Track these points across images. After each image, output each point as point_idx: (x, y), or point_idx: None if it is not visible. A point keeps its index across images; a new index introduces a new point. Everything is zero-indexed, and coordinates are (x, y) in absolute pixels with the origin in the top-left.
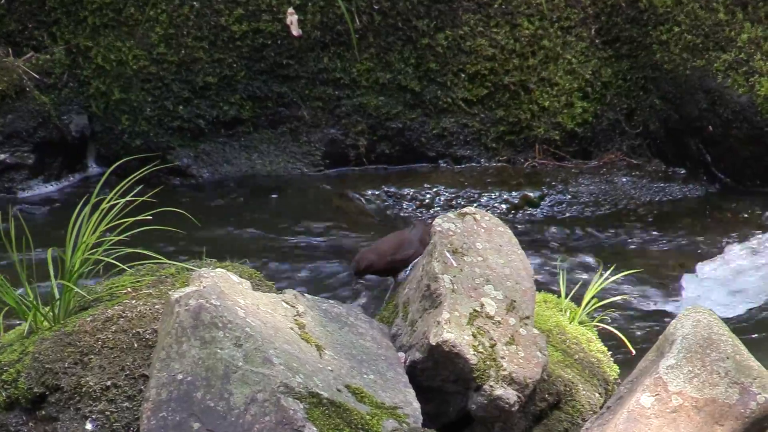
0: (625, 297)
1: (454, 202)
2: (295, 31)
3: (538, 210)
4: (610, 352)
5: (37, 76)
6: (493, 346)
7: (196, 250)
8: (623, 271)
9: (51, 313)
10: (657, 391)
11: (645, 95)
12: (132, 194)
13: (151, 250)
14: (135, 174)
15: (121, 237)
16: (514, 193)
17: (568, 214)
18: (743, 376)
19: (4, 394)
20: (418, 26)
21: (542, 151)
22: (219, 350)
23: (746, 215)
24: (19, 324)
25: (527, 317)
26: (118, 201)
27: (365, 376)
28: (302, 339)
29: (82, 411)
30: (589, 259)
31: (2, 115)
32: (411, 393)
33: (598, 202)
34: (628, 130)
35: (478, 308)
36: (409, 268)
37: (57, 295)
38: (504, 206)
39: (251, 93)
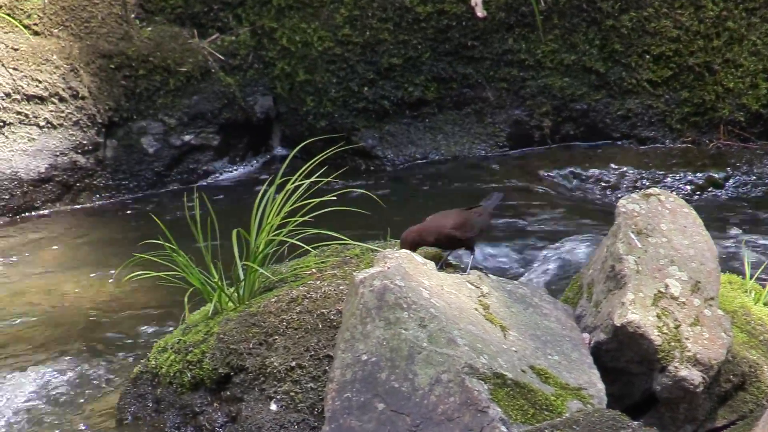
0: None
1: (638, 182)
2: (480, 12)
3: (723, 191)
4: None
5: (222, 58)
6: (677, 327)
7: (380, 231)
8: None
9: (236, 294)
10: None
11: None
12: (316, 175)
13: (335, 231)
14: (319, 155)
15: (305, 218)
16: (698, 174)
17: (753, 195)
18: None
19: (189, 374)
20: (603, 7)
21: (727, 132)
22: (403, 331)
23: None
24: (205, 305)
25: (712, 298)
26: (302, 182)
27: (550, 356)
28: (486, 320)
29: (267, 392)
30: None
31: (187, 97)
32: (596, 374)
33: None
34: None
35: (662, 289)
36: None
37: (242, 276)
38: (688, 187)
39: (436, 74)
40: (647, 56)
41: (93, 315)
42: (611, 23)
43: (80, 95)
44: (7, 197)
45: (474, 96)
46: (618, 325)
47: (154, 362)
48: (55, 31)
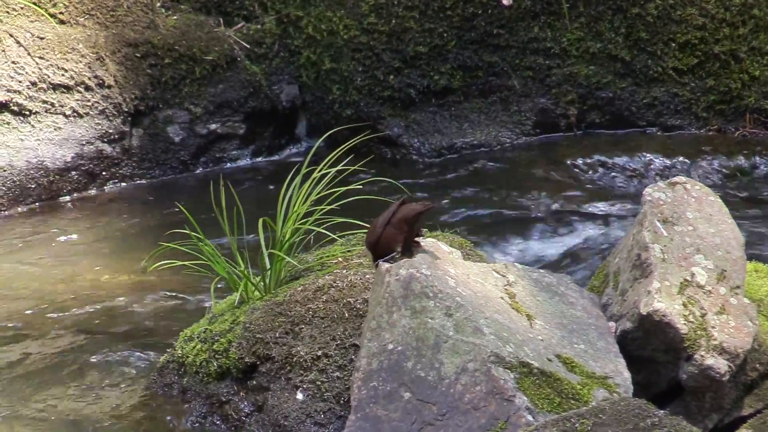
0: None
1: (664, 171)
2: (506, 0)
3: (749, 179)
4: None
5: (248, 46)
6: (703, 315)
7: None
8: None
9: (262, 283)
10: None
11: None
12: (342, 164)
13: (362, 220)
14: (345, 144)
15: (331, 206)
16: (724, 163)
17: None
18: None
19: (215, 363)
20: None
21: (753, 120)
22: (429, 320)
23: None
24: (231, 294)
25: (738, 287)
26: (328, 171)
27: (576, 345)
28: (513, 308)
29: (293, 381)
30: None
31: (213, 85)
32: (622, 363)
33: None
34: None
35: (688, 277)
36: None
37: (268, 265)
38: (714, 175)
39: (462, 62)
40: (673, 44)
41: (119, 303)
42: (637, 11)
43: (106, 84)
44: (33, 186)
45: (500, 84)
46: (644, 313)
47: (180, 351)
48: (81, 19)
